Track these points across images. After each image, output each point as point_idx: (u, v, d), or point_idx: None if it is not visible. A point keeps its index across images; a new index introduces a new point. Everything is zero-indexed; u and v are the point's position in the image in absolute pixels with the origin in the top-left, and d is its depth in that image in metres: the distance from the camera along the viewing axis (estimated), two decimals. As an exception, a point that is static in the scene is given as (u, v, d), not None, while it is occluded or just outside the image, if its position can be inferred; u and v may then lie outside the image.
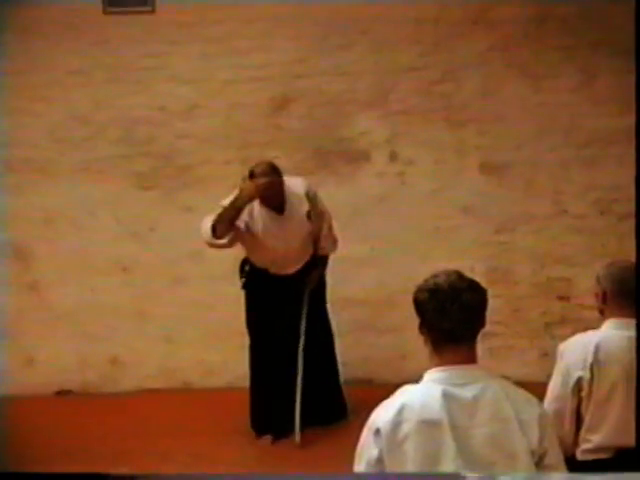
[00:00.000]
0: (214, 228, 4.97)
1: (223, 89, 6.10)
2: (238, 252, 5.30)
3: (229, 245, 5.11)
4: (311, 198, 5.20)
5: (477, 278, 2.67)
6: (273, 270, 5.25)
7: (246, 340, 5.37)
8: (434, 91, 6.05)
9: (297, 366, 5.23)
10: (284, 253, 5.18)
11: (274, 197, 5.07)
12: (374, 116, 6.09)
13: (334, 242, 5.40)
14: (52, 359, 6.20)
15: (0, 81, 5.98)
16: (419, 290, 2.64)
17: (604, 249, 5.91)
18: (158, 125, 6.15)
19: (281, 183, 5.08)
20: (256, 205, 5.09)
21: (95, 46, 6.07)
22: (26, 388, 6.07)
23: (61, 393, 6.22)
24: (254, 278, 5.30)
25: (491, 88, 6.05)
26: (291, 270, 5.27)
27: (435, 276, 2.65)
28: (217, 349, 6.11)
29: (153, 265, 6.18)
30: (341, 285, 5.75)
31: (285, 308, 5.27)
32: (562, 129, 6.03)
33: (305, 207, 5.18)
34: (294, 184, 5.17)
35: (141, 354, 6.22)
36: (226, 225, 4.99)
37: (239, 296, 5.35)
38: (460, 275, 2.63)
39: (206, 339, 6.14)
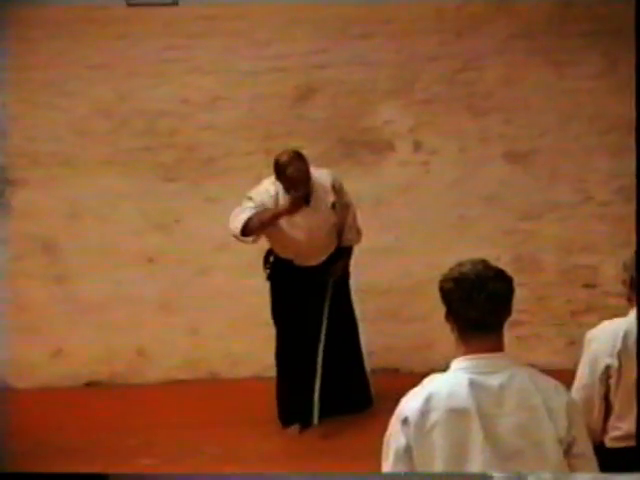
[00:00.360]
0: (245, 229, 5.00)
1: (245, 80, 6.09)
2: (263, 243, 5.31)
3: (255, 241, 5.17)
4: (337, 190, 5.21)
5: (502, 267, 2.63)
6: (298, 261, 5.26)
7: (272, 331, 5.38)
8: (457, 80, 6.03)
9: (319, 354, 5.25)
10: (309, 244, 5.18)
11: (301, 185, 5.06)
12: (397, 105, 6.07)
13: (358, 233, 5.39)
14: (79, 351, 6.23)
15: (24, 77, 6.01)
16: (445, 279, 2.61)
17: (629, 236, 5.86)
18: (181, 117, 6.15)
19: (307, 170, 5.07)
20: (282, 197, 5.09)
21: (118, 39, 6.08)
22: (54, 380, 6.14)
23: (91, 384, 6.25)
24: (279, 269, 5.31)
25: (514, 76, 6.02)
26: (315, 261, 5.28)
27: (461, 265, 2.62)
28: (243, 340, 6.12)
29: (178, 256, 6.20)
30: (366, 274, 5.74)
31: (310, 299, 5.27)
32: (586, 116, 5.99)
33: (331, 198, 5.18)
34: (320, 175, 5.17)
35: (167, 345, 6.24)
36: (260, 231, 5.06)
37: (265, 287, 5.36)
38: (486, 264, 2.60)
39: (232, 330, 6.15)
